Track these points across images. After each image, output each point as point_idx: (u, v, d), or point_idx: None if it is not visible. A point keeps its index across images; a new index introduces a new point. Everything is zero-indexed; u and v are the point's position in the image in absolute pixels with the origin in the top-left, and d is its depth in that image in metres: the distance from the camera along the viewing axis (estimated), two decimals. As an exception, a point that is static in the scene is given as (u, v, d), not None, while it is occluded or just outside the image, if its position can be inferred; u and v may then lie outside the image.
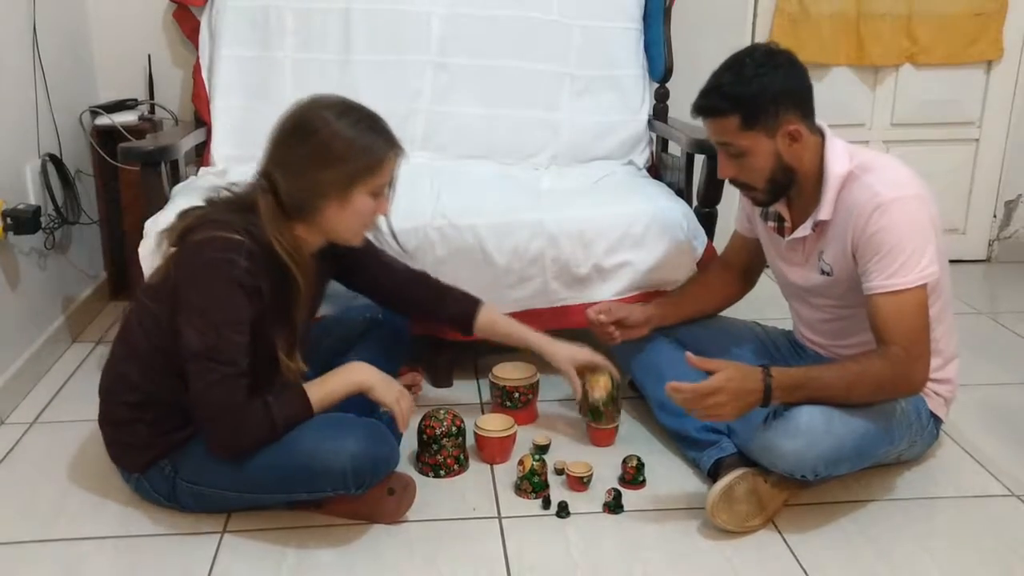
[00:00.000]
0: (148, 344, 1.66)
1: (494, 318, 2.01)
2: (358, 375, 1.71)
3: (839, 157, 1.75)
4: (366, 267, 1.94)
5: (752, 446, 1.74)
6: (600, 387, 1.97)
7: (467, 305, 2.00)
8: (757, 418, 1.74)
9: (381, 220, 1.80)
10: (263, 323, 1.61)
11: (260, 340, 1.61)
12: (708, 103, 1.74)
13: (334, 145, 1.60)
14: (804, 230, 1.81)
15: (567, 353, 1.99)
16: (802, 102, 1.74)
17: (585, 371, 1.99)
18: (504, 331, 2.00)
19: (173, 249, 1.62)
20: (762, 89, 1.69)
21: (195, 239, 1.57)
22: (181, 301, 1.57)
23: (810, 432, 1.66)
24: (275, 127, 1.65)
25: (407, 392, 1.77)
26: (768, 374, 1.65)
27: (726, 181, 1.86)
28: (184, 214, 1.68)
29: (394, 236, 1.89)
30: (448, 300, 2.00)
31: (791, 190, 1.80)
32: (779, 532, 1.72)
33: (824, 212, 1.76)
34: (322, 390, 1.67)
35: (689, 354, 1.68)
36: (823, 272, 1.82)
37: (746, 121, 1.71)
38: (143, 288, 1.73)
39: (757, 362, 1.74)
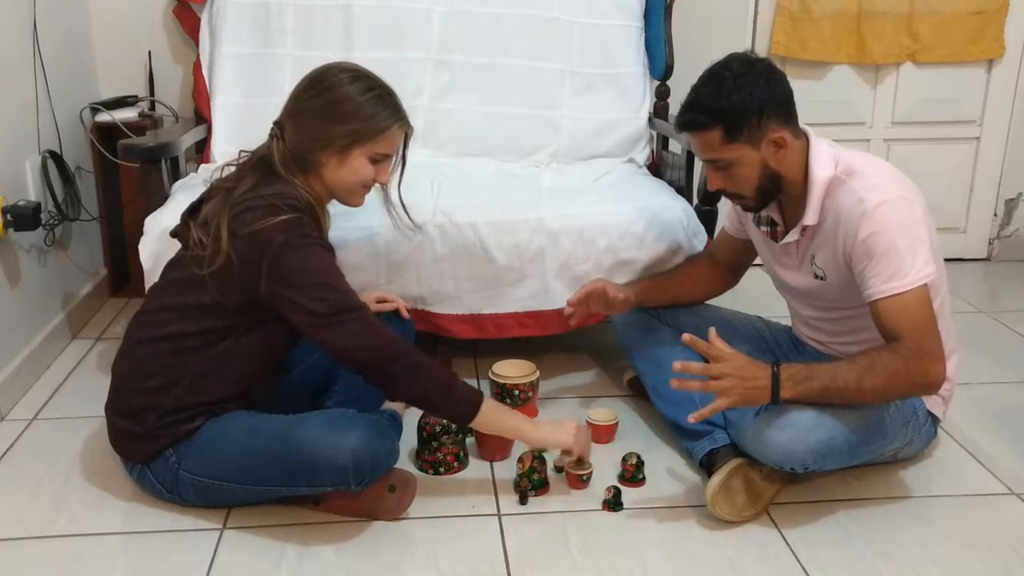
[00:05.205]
0: (187, 328, 1.67)
1: None
2: (553, 436, 1.79)
3: (823, 161, 1.75)
4: None
5: (744, 438, 1.75)
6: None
7: None
8: (752, 410, 1.74)
9: (393, 192, 1.89)
10: None
11: None
12: (689, 118, 1.74)
13: (342, 105, 1.68)
14: (794, 234, 1.82)
15: None
16: (784, 108, 1.74)
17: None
18: None
19: (225, 241, 1.61)
20: (742, 100, 1.68)
21: (254, 229, 1.60)
22: (281, 291, 1.61)
23: (800, 424, 1.67)
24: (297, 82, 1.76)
25: (581, 427, 1.82)
26: (776, 363, 1.64)
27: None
28: (196, 207, 1.73)
29: (404, 209, 1.96)
30: None
31: (780, 195, 1.81)
32: (779, 530, 1.72)
33: (810, 217, 1.76)
34: (504, 411, 1.78)
35: (712, 330, 1.68)
36: (816, 276, 1.82)
37: (729, 133, 1.71)
38: (197, 271, 1.65)
39: (758, 357, 1.74)
